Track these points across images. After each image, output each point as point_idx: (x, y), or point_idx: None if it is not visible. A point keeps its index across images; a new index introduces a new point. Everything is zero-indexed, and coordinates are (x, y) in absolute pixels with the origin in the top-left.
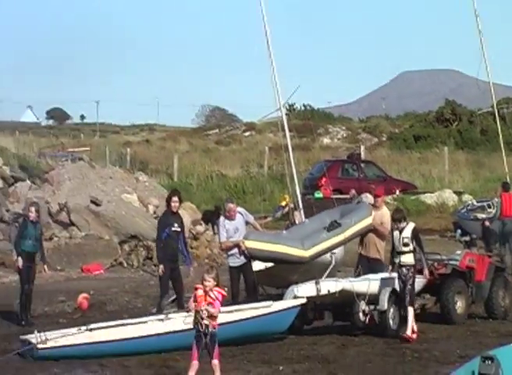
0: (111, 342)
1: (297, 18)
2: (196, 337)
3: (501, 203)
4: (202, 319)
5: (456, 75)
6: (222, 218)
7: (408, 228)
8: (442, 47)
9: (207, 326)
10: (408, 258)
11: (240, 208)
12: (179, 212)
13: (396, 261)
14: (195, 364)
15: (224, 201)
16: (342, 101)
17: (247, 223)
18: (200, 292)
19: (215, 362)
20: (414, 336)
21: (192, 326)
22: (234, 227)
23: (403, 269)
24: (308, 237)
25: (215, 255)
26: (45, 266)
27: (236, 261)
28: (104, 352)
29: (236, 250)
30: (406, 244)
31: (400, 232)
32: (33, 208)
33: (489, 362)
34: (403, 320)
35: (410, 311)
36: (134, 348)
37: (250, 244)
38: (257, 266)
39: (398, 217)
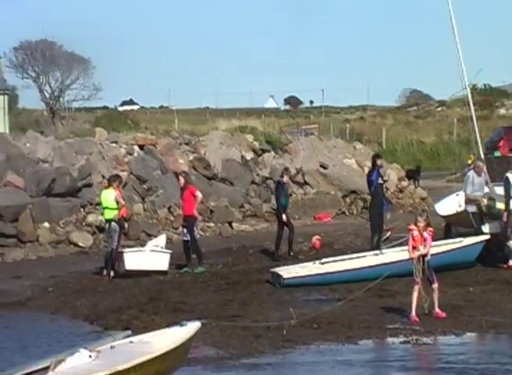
0: (338, 272)
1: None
2: (417, 269)
3: None
4: (420, 254)
5: None
6: (471, 172)
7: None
8: None
9: (423, 259)
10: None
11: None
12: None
13: None
14: (417, 288)
15: (475, 159)
16: None
17: (486, 182)
18: (415, 233)
19: (436, 285)
20: None
21: (399, 259)
22: (480, 184)
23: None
24: None
25: (416, 204)
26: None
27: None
28: (333, 280)
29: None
30: None
31: None
32: (287, 174)
33: None
34: None
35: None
36: (356, 277)
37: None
38: (449, 210)
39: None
